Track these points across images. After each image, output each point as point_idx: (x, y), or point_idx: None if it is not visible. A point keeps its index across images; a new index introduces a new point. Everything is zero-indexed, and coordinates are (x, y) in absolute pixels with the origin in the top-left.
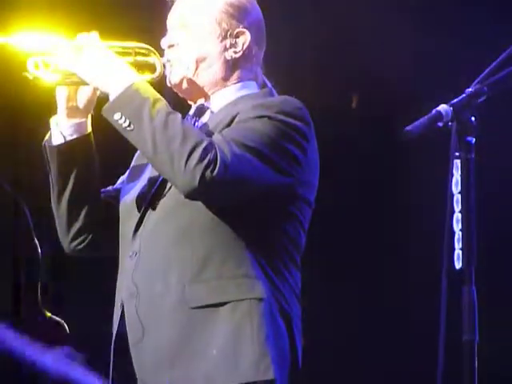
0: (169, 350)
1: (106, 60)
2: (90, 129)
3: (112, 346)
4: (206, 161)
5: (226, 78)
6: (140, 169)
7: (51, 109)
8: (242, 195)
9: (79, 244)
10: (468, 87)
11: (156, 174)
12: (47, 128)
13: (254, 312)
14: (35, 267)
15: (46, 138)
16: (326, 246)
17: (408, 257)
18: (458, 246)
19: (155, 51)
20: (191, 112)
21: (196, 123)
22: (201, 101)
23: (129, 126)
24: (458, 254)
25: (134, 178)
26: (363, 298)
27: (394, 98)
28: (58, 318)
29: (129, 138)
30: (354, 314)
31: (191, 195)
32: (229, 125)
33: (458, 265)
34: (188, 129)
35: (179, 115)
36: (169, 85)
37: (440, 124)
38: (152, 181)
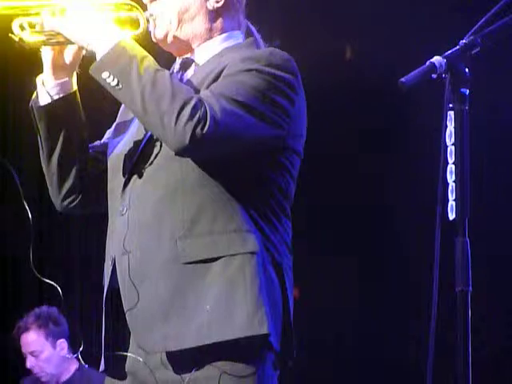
0: (162, 305)
1: (90, 18)
2: (75, 87)
3: (104, 303)
4: (196, 118)
5: (209, 30)
6: (127, 122)
7: (37, 69)
8: (233, 150)
9: (71, 202)
10: (462, 39)
11: (143, 129)
12: (33, 88)
13: (246, 266)
14: (25, 230)
15: (33, 98)
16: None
17: (401, 208)
18: (451, 197)
19: (138, 6)
20: (176, 66)
21: (182, 77)
22: (186, 54)
23: (117, 84)
24: (452, 206)
25: (121, 131)
26: (359, 250)
27: (390, 50)
28: (50, 281)
29: (118, 96)
30: (350, 265)
31: (182, 153)
32: (216, 79)
33: (451, 216)
34: (177, 86)
35: (167, 72)
36: (154, 40)
37: (434, 76)
38: (139, 136)
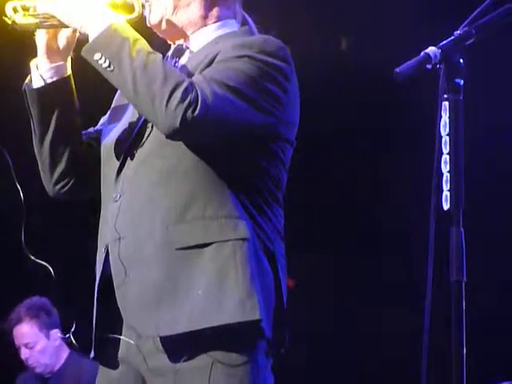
0: (154, 291)
1: (84, 1)
2: (69, 71)
3: (96, 289)
4: (187, 101)
5: (204, 17)
6: (120, 110)
7: (30, 53)
8: (223, 135)
9: (63, 187)
10: (456, 29)
11: (137, 114)
12: (27, 72)
13: (238, 252)
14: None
15: (26, 81)
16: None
17: (396, 198)
18: (446, 187)
19: None
20: (170, 52)
21: (176, 64)
22: (180, 41)
23: (109, 66)
24: (446, 196)
25: (114, 119)
26: (355, 240)
27: (385, 40)
28: (42, 262)
29: (109, 78)
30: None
31: (172, 136)
32: (209, 64)
33: (446, 206)
34: (169, 69)
35: (160, 55)
36: (148, 25)
37: (429, 66)
38: (133, 122)
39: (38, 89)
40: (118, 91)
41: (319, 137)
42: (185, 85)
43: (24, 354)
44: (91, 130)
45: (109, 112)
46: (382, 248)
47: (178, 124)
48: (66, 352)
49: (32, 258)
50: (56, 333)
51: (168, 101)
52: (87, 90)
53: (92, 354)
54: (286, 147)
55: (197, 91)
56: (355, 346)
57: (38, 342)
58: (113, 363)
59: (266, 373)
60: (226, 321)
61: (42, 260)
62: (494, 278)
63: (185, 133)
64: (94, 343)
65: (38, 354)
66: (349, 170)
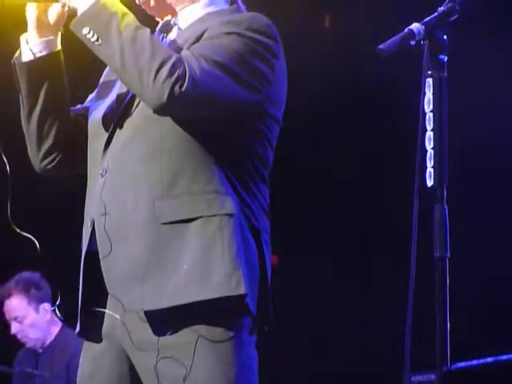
0: (139, 265)
1: None
2: (59, 46)
3: (82, 264)
4: (174, 76)
5: None
6: (108, 86)
7: (21, 27)
8: (210, 111)
9: (50, 163)
10: (440, 6)
11: (125, 90)
12: (16, 46)
13: (224, 228)
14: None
15: (16, 55)
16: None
17: (382, 176)
18: (429, 164)
19: None
20: (158, 28)
21: (163, 40)
22: (168, 17)
23: (97, 40)
24: (430, 172)
25: (102, 95)
26: (338, 218)
27: (368, 17)
28: (29, 235)
29: (97, 53)
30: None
31: (160, 110)
32: (197, 41)
33: (429, 183)
34: (157, 44)
35: (148, 30)
36: (137, 2)
37: (412, 43)
38: (121, 98)
39: (27, 62)
40: (106, 68)
41: (302, 113)
42: (173, 60)
43: (14, 328)
44: (79, 106)
45: (96, 89)
46: (367, 225)
47: (165, 99)
48: (57, 326)
49: (19, 231)
50: (46, 306)
51: (156, 75)
52: (76, 67)
53: (77, 329)
54: (272, 125)
55: (185, 67)
56: (338, 322)
57: (27, 316)
58: (97, 338)
59: (250, 349)
60: (211, 295)
61: (28, 233)
62: (478, 254)
63: (172, 108)
64: (79, 318)
65: (28, 328)
66: (331, 146)
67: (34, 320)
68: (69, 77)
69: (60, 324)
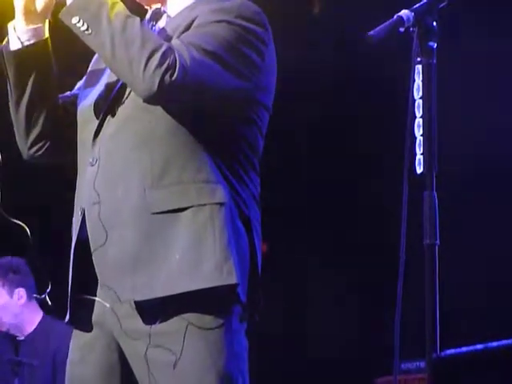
0: (131, 255)
1: None
2: (47, 34)
3: (72, 253)
4: (165, 65)
5: None
6: (97, 74)
7: (8, 15)
8: (200, 100)
9: (38, 150)
10: None
11: (114, 78)
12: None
13: (215, 217)
14: None
15: (4, 43)
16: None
17: (369, 162)
18: (419, 151)
19: None
20: (148, 16)
21: (153, 28)
22: (157, 5)
23: (87, 29)
24: (419, 159)
25: (91, 83)
26: (327, 205)
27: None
28: (19, 222)
29: (87, 42)
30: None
31: (150, 100)
32: (187, 29)
33: (419, 170)
34: (147, 33)
35: (138, 19)
36: None
37: (402, 29)
38: (110, 86)
39: (14, 51)
40: (95, 55)
41: (289, 99)
42: (163, 49)
43: None
44: (68, 93)
45: (85, 76)
46: (357, 211)
47: (155, 88)
48: (39, 315)
49: (8, 217)
50: (21, 291)
51: (146, 65)
52: (64, 53)
53: (67, 318)
54: (262, 113)
55: (175, 55)
56: (327, 309)
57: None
58: (86, 326)
59: (239, 336)
60: (203, 285)
61: (19, 220)
62: (467, 242)
63: (162, 97)
64: (69, 307)
65: (1, 311)
66: (320, 135)
67: (5, 303)
68: (57, 64)
69: (41, 313)
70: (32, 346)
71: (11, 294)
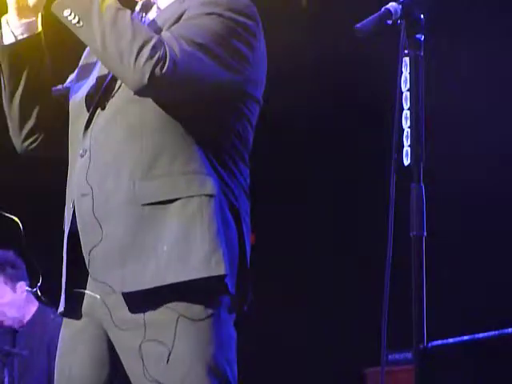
0: (120, 246)
1: None
2: (40, 28)
3: (65, 245)
4: (155, 58)
5: None
6: (89, 67)
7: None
8: (191, 92)
9: (31, 143)
10: None
11: (105, 72)
12: None
13: (204, 208)
14: None
15: None
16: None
17: (357, 154)
18: (406, 143)
19: None
20: (138, 8)
21: (143, 20)
22: None
23: (78, 22)
24: (407, 151)
25: (83, 76)
26: (313, 198)
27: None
28: (11, 215)
29: (79, 35)
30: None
31: (141, 92)
32: (177, 21)
33: (406, 161)
34: (138, 25)
35: (129, 12)
36: None
37: (389, 22)
38: (101, 79)
39: (8, 45)
40: (87, 48)
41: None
42: (153, 41)
43: None
44: (60, 86)
45: (77, 69)
46: (344, 203)
47: (146, 81)
48: (34, 305)
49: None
50: (22, 285)
51: (136, 57)
52: (57, 47)
53: (61, 309)
54: (253, 106)
55: (165, 48)
56: (314, 301)
57: (4, 296)
58: (76, 316)
59: (228, 327)
60: (191, 276)
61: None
62: (455, 232)
63: (153, 90)
64: (64, 298)
65: (5, 307)
66: (308, 127)
67: (11, 299)
68: (50, 57)
69: (37, 303)
70: (28, 336)
71: (14, 289)
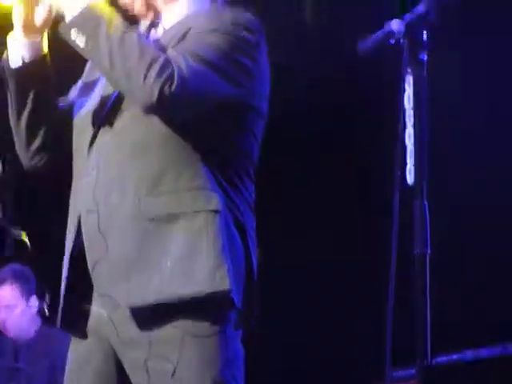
0: (125, 262)
1: None
2: (46, 48)
3: (67, 261)
4: (164, 76)
5: None
6: (92, 84)
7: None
8: (198, 109)
9: (39, 161)
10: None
11: (110, 88)
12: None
13: (209, 224)
14: None
15: (4, 56)
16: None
17: (359, 172)
18: (410, 160)
19: None
20: (142, 29)
21: (148, 39)
22: (152, 17)
23: (86, 43)
24: (410, 169)
25: (86, 91)
26: (317, 214)
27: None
28: (19, 230)
29: (86, 56)
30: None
31: (150, 110)
32: (182, 40)
33: (410, 179)
34: (145, 45)
35: (136, 31)
36: (121, 1)
37: (392, 41)
38: (106, 95)
39: (15, 69)
40: (88, 64)
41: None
42: (161, 60)
43: (2, 315)
44: (63, 102)
45: (79, 85)
46: (346, 221)
47: (155, 100)
48: (38, 323)
49: (9, 227)
50: (34, 300)
51: (145, 76)
52: (61, 62)
53: (58, 323)
54: (257, 120)
55: (173, 66)
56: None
57: (18, 306)
58: (82, 334)
59: (235, 343)
60: (195, 290)
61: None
62: (458, 249)
63: (162, 108)
64: (61, 313)
65: (17, 317)
66: (311, 145)
67: (23, 311)
68: (56, 73)
69: (39, 321)
70: (32, 352)
71: (27, 302)
